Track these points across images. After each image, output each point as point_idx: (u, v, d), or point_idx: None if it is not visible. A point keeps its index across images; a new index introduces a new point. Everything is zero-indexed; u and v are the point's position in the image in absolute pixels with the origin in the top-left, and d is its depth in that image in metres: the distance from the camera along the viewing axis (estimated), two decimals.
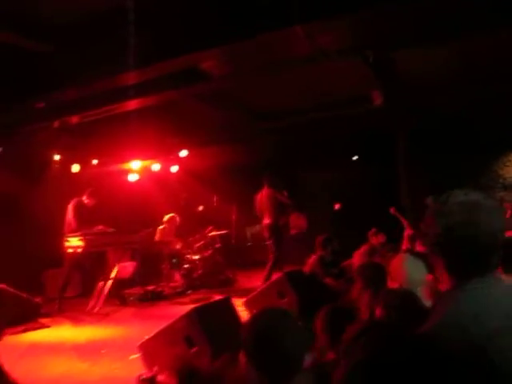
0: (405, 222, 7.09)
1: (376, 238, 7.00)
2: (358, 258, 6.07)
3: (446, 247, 1.39)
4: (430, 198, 1.49)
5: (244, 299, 5.39)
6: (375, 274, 3.18)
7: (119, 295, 7.31)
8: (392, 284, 2.83)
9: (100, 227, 6.99)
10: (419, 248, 5.92)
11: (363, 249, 6.95)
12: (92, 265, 7.17)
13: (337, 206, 11.88)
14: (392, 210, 7.08)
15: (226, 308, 3.81)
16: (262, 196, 7.83)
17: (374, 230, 7.40)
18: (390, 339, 0.76)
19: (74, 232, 6.83)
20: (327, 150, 10.39)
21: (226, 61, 5.88)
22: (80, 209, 7.13)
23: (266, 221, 7.74)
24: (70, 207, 7.15)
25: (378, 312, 2.10)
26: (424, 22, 4.66)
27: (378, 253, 6.14)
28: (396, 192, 9.10)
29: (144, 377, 3.83)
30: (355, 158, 11.82)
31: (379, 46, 5.47)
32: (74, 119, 7.02)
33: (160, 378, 3.77)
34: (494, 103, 7.99)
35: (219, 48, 5.17)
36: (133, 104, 6.57)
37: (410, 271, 2.83)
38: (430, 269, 2.97)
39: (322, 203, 11.23)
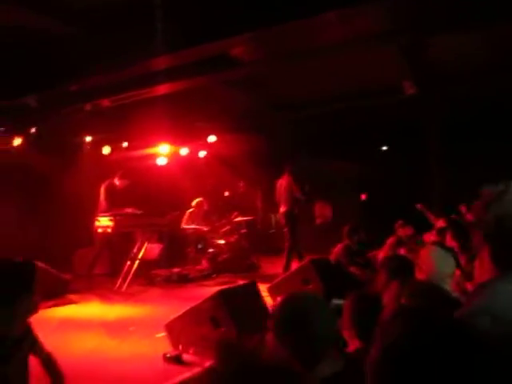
0: (432, 218, 6.98)
1: (403, 230, 6.90)
2: (384, 250, 6.05)
3: (495, 236, 1.41)
4: (485, 187, 1.52)
5: (268, 285, 5.45)
6: (399, 266, 3.16)
7: (146, 275, 7.47)
8: (420, 276, 2.82)
9: (129, 209, 7.16)
10: (449, 243, 5.84)
11: (390, 240, 6.91)
12: (121, 245, 7.35)
13: (363, 197, 11.81)
14: (419, 206, 6.97)
15: (252, 292, 3.87)
16: (282, 184, 7.91)
17: (400, 221, 7.30)
18: (422, 323, 0.78)
19: (104, 213, 7.01)
20: (356, 140, 10.30)
21: (256, 47, 5.87)
22: (111, 190, 7.33)
23: (283, 208, 7.86)
24: (102, 189, 7.35)
25: (403, 302, 2.11)
26: (458, 7, 4.55)
27: (404, 244, 6.09)
28: (426, 184, 8.97)
29: (170, 355, 3.95)
30: (384, 148, 11.71)
31: (413, 31, 5.36)
32: (105, 102, 7.13)
33: (185, 356, 3.88)
34: None
35: (249, 34, 5.15)
36: (162, 89, 6.64)
37: (438, 263, 2.81)
38: (458, 264, 2.95)
39: (348, 193, 11.17)
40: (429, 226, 6.50)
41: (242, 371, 0.89)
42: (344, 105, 8.56)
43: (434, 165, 8.88)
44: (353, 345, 2.02)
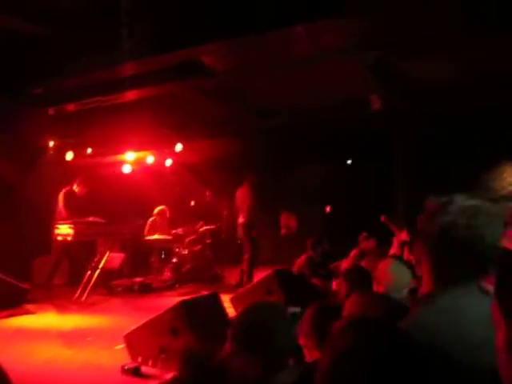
0: (395, 230, 7.13)
1: (366, 243, 7.04)
2: (347, 262, 6.14)
3: (438, 248, 1.38)
4: (429, 198, 1.48)
5: (231, 296, 5.42)
6: (359, 277, 3.22)
7: (107, 285, 7.32)
8: (378, 288, 2.86)
9: (91, 218, 7.00)
10: (407, 256, 5.98)
11: (353, 253, 7.02)
12: (81, 254, 7.17)
13: (328, 209, 11.94)
14: (382, 218, 7.11)
15: (214, 303, 3.84)
16: (241, 193, 7.90)
17: (364, 234, 7.45)
18: (370, 335, 0.79)
19: (64, 220, 6.84)
20: (322, 152, 10.44)
21: (225, 56, 5.90)
22: (70, 197, 7.15)
23: (241, 219, 7.83)
24: (61, 196, 7.16)
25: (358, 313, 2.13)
26: (425, 27, 4.70)
27: (367, 256, 6.19)
28: (390, 198, 9.16)
29: (128, 367, 3.86)
30: (349, 161, 11.89)
31: (380, 47, 5.51)
32: (71, 107, 7.02)
33: (144, 368, 3.80)
34: (492, 113, 8.06)
35: (218, 43, 5.19)
36: (130, 95, 6.59)
37: (395, 276, 2.87)
38: (415, 275, 3.01)
39: (313, 205, 11.29)
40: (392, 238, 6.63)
41: (206, 380, 0.88)
42: (312, 117, 8.67)
43: (398, 179, 9.07)
44: (311, 355, 2.02)
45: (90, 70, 5.66)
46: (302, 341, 2.03)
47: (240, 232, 7.88)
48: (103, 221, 7.10)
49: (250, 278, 7.34)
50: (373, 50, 5.84)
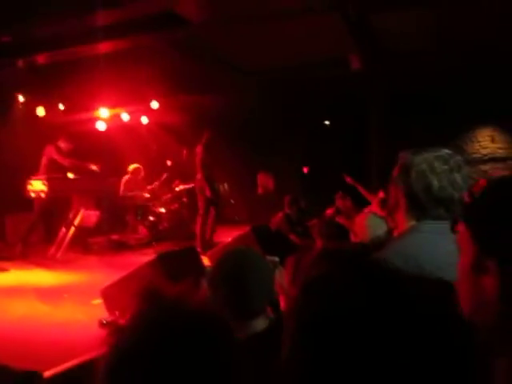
0: (363, 190, 7.16)
1: (342, 202, 7.09)
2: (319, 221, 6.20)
3: (413, 190, 1.54)
4: (402, 152, 1.63)
5: (208, 252, 5.44)
6: (334, 232, 3.25)
7: (82, 243, 7.25)
8: (355, 240, 2.91)
9: (92, 165, 6.91)
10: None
11: (329, 211, 7.08)
12: (55, 210, 7.06)
13: (305, 170, 11.99)
14: (348, 179, 7.16)
15: (191, 257, 3.84)
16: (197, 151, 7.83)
17: (340, 193, 7.49)
18: (345, 261, 0.76)
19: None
20: (301, 112, 10.36)
21: (202, 6, 5.71)
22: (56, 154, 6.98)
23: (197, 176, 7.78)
24: (52, 150, 6.96)
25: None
26: None
27: (342, 215, 6.26)
28: (366, 159, 9.21)
29: (105, 321, 3.86)
30: (327, 122, 11.87)
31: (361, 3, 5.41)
32: (41, 58, 6.73)
33: (122, 322, 3.81)
34: (467, 76, 8.09)
35: None
36: (103, 47, 6.33)
37: (372, 228, 2.92)
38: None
39: (290, 165, 11.30)
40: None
41: (163, 316, 0.83)
42: (291, 75, 8.55)
43: (372, 140, 9.12)
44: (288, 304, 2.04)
45: (62, 18, 5.40)
46: (280, 290, 2.04)
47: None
48: (77, 176, 6.96)
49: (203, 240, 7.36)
50: (353, 5, 5.75)
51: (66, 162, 6.95)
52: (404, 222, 1.58)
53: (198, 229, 7.52)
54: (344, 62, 7.75)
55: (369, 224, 2.98)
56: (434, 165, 1.52)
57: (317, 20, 6.11)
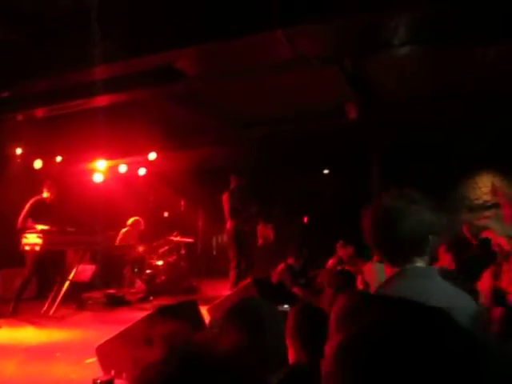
0: None
1: (344, 250, 7.06)
2: (325, 271, 6.14)
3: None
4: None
5: (208, 306, 5.33)
6: (343, 281, 3.22)
7: (77, 298, 7.12)
8: (362, 288, 2.87)
9: (65, 226, 6.82)
10: None
11: (331, 261, 7.03)
12: (49, 265, 6.97)
13: (305, 219, 11.98)
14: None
15: (191, 311, 3.76)
16: (224, 198, 7.75)
17: (341, 241, 7.47)
18: (395, 307, 0.75)
19: (28, 229, 6.62)
20: (299, 162, 10.49)
21: (201, 61, 5.88)
22: (38, 206, 6.94)
23: (227, 225, 7.69)
24: (29, 204, 6.94)
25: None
26: (402, 31, 4.79)
27: (345, 264, 6.21)
28: (366, 206, 9.23)
29: (100, 381, 3.72)
30: (326, 171, 11.99)
31: (357, 54, 5.58)
32: (40, 112, 6.85)
33: (118, 381, 3.67)
34: (466, 123, 8.25)
35: (195, 47, 5.17)
36: (101, 100, 6.46)
37: (382, 275, 2.91)
38: None
39: (290, 216, 11.31)
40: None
41: (191, 362, 0.80)
42: (289, 126, 8.70)
43: (374, 188, 9.18)
44: (294, 357, 1.98)
45: (60, 73, 5.55)
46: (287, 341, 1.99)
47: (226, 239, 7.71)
48: (73, 229, 6.93)
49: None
50: (350, 56, 5.93)
51: (27, 223, 6.83)
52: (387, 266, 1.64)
53: (231, 283, 7.24)
54: (341, 111, 7.91)
55: (379, 270, 2.97)
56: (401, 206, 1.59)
57: (313, 72, 6.28)
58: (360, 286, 2.87)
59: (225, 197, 7.54)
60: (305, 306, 2.11)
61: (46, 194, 7.09)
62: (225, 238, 7.58)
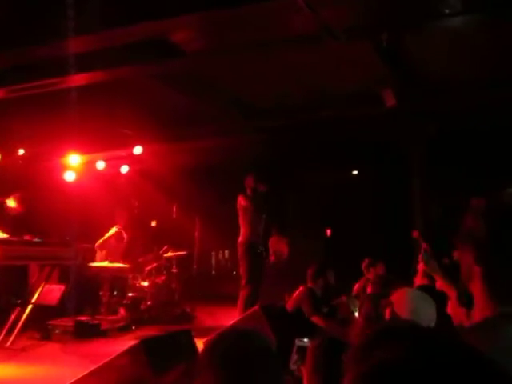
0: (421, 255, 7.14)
1: (374, 270, 7.07)
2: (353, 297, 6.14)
3: (491, 254, 1.35)
4: (475, 198, 1.50)
5: (205, 339, 5.34)
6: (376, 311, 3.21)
7: (41, 326, 7.16)
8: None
9: (27, 236, 6.88)
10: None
11: (358, 285, 7.03)
12: (7, 284, 7.03)
13: (328, 232, 11.98)
14: (415, 234, 7.13)
15: (185, 344, 3.76)
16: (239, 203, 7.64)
17: (368, 260, 7.48)
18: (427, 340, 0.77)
19: None
20: (321, 160, 10.48)
21: (203, 34, 5.90)
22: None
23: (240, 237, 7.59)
24: None
25: None
26: None
27: (374, 288, 6.20)
28: (405, 215, 9.22)
29: None
30: (355, 172, 12.01)
31: (396, 26, 5.57)
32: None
33: None
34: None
35: (195, 16, 5.18)
36: (76, 80, 6.49)
37: (416, 309, 2.90)
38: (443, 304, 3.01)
39: (310, 227, 11.31)
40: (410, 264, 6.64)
41: None
42: (309, 116, 8.70)
43: (415, 191, 9.16)
44: None
45: (26, 46, 5.59)
46: (305, 380, 2.01)
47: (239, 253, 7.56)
48: (38, 240, 6.97)
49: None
50: (386, 29, 5.92)
51: None
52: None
53: (239, 306, 7.20)
54: (375, 98, 7.90)
55: (413, 301, 2.96)
56: None
57: (339, 49, 6.28)
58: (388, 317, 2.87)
59: (241, 200, 7.46)
60: (329, 340, 2.11)
61: (12, 204, 7.15)
62: (239, 251, 7.46)
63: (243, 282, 7.22)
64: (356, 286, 7.23)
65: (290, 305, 5.55)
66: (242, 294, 7.15)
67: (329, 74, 7.17)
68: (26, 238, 6.93)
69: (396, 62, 6.98)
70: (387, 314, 2.98)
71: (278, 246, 7.87)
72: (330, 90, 7.89)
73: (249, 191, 7.51)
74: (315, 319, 5.28)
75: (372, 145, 9.89)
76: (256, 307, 5.04)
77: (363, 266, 7.44)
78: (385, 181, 10.34)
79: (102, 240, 8.57)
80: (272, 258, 7.78)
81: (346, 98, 8.14)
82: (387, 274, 6.86)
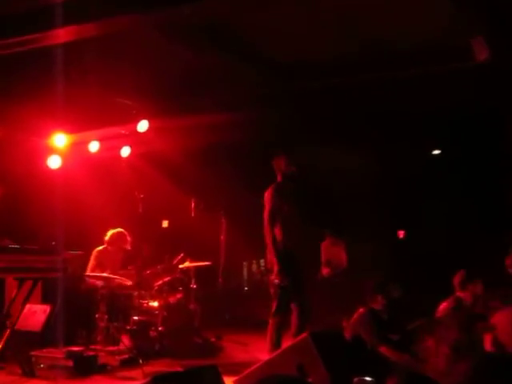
0: None
1: (472, 287, 7.00)
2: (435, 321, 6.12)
3: None
4: None
5: (235, 379, 5.41)
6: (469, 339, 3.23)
7: (22, 359, 7.31)
8: (494, 350, 2.89)
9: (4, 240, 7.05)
10: None
11: (443, 306, 7.00)
12: None
13: (401, 234, 11.94)
14: None
15: (208, 381, 3.83)
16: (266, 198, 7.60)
17: (462, 272, 7.43)
18: None
19: None
20: (385, 136, 10.46)
21: None
22: None
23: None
24: None
25: None
26: None
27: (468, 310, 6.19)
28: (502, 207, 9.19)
29: None
30: (436, 151, 11.95)
31: None
32: None
33: None
34: None
35: None
36: (62, 34, 6.59)
37: None
38: None
39: (375, 227, 11.29)
40: None
41: None
42: (365, 75, 8.66)
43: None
44: None
45: None
46: None
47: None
48: (16, 246, 7.10)
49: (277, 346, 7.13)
50: None
51: None
52: None
53: (268, 337, 7.22)
54: (461, 50, 7.85)
55: None
56: None
57: None
58: (489, 347, 2.89)
59: (268, 195, 7.48)
60: (409, 377, 2.14)
61: None
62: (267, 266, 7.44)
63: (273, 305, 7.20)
64: (442, 306, 7.17)
65: (347, 332, 5.58)
66: (272, 321, 7.14)
67: (391, 18, 7.15)
68: (1, 243, 7.07)
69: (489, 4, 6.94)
70: (487, 343, 2.99)
71: (333, 254, 7.86)
72: (395, 41, 7.85)
73: (279, 178, 7.46)
74: (382, 349, 5.30)
75: (459, 112, 9.83)
76: (304, 334, 5.08)
77: (456, 281, 7.38)
78: (474, 162, 10.27)
79: (99, 248, 8.66)
80: (326, 270, 7.79)
81: (418, 52, 8.10)
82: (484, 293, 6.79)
